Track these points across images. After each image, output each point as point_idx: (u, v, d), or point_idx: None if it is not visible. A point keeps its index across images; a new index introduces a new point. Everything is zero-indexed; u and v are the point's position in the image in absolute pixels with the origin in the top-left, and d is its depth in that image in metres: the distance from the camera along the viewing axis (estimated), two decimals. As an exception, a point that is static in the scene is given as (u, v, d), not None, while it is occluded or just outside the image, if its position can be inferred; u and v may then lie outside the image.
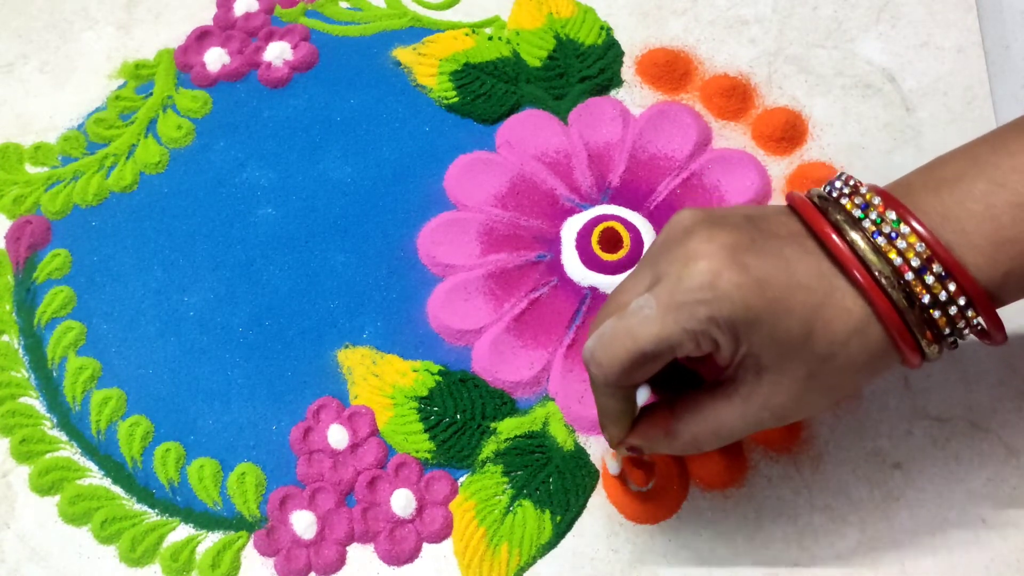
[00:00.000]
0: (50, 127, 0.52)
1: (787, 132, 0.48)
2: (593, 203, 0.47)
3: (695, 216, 0.33)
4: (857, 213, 0.32)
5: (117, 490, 0.43)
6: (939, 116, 0.48)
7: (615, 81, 0.51)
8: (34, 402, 0.45)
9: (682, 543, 0.40)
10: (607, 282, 0.45)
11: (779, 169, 0.48)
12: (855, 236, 0.31)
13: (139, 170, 0.50)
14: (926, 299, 0.31)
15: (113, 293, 0.48)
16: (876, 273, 0.31)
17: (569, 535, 0.41)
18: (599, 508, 0.41)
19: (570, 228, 0.46)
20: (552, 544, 0.41)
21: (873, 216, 0.31)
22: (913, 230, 0.31)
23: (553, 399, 0.43)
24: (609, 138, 0.49)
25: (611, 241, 0.45)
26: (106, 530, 0.42)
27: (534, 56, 0.51)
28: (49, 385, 0.46)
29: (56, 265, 0.48)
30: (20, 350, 0.47)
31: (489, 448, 0.43)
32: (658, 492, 0.41)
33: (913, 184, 0.33)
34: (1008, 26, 0.51)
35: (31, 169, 0.51)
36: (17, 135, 0.52)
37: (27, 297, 0.48)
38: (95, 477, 0.44)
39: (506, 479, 0.42)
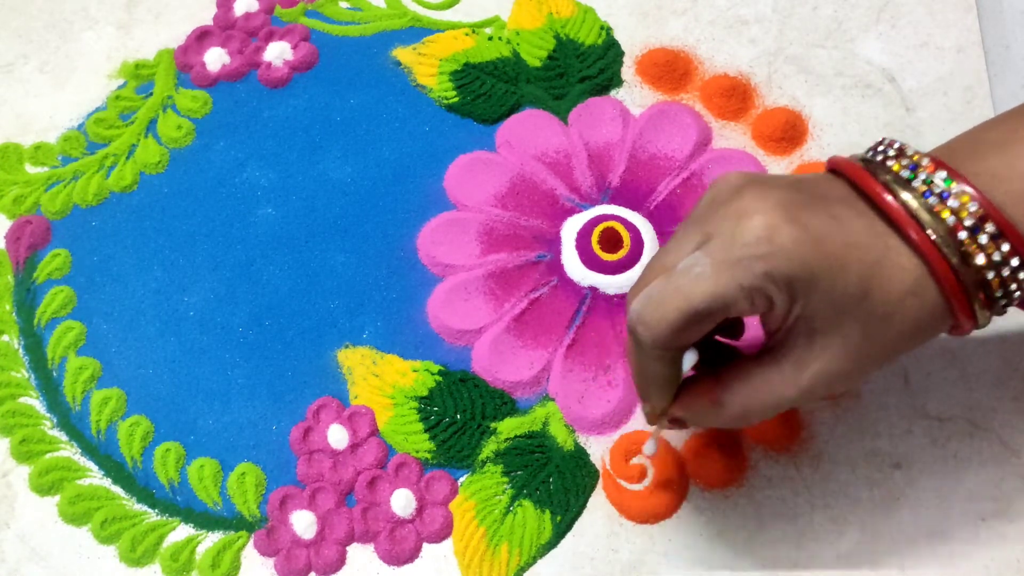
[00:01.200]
0: (50, 127, 0.52)
1: (787, 132, 0.48)
2: (593, 203, 0.47)
3: (743, 177, 0.32)
4: (906, 174, 0.31)
5: (117, 490, 0.43)
6: (939, 116, 0.48)
7: (615, 81, 0.51)
8: (34, 402, 0.45)
9: (682, 543, 0.40)
10: (607, 282, 0.45)
11: (779, 169, 0.48)
12: (906, 196, 0.31)
13: (139, 170, 0.50)
14: (980, 260, 0.30)
15: (113, 293, 0.48)
16: (930, 232, 0.30)
17: (569, 535, 0.41)
18: (599, 508, 0.41)
19: (570, 228, 0.46)
20: (552, 544, 0.41)
21: (923, 176, 0.31)
22: (964, 190, 0.31)
23: (553, 399, 0.43)
24: (609, 138, 0.49)
25: (611, 241, 0.45)
26: (106, 530, 0.42)
27: (534, 56, 0.51)
28: (49, 385, 0.46)
29: (56, 265, 0.48)
30: (20, 350, 0.47)
31: (489, 448, 0.43)
32: (658, 492, 0.41)
33: (957, 149, 0.33)
34: (1008, 26, 0.51)
35: (31, 169, 0.51)
36: (17, 135, 0.52)
37: (27, 297, 0.48)
38: (95, 477, 0.44)
39: (506, 479, 0.42)
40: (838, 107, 0.49)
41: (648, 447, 0.39)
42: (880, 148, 0.33)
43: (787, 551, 0.40)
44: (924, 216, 0.31)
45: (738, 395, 0.33)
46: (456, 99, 0.51)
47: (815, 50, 0.50)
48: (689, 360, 0.34)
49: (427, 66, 0.52)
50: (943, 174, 0.31)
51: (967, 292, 0.31)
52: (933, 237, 0.30)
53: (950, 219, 0.30)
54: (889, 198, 0.31)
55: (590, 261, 0.45)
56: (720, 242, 0.31)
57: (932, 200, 0.31)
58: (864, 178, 0.32)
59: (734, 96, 0.49)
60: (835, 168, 0.33)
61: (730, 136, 0.49)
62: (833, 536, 0.40)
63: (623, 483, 0.41)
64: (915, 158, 0.32)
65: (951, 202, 0.31)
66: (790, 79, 0.50)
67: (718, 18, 0.52)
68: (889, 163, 0.32)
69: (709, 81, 0.50)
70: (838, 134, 0.48)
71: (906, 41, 0.50)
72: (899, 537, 0.40)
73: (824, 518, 0.40)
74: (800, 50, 0.51)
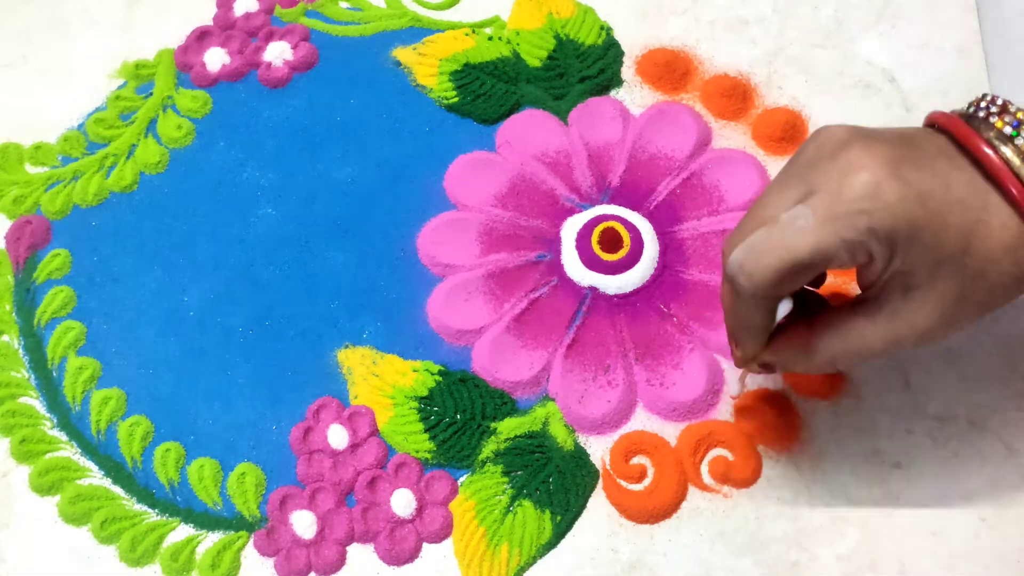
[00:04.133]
0: (50, 127, 0.52)
1: (787, 132, 0.48)
2: (593, 203, 0.47)
3: (848, 131, 0.33)
4: (1008, 131, 0.32)
5: (117, 490, 0.43)
6: (939, 116, 0.48)
7: (615, 81, 0.51)
8: (34, 402, 0.45)
9: (682, 543, 0.40)
10: (607, 282, 0.45)
11: (779, 169, 0.48)
12: (1008, 152, 0.31)
13: (139, 170, 0.50)
14: None
15: (113, 293, 0.48)
16: None
17: (569, 535, 0.41)
18: (599, 508, 0.41)
19: (570, 228, 0.46)
20: (552, 544, 0.41)
21: None
22: None
23: (553, 399, 0.43)
24: (609, 138, 0.49)
25: (611, 241, 0.45)
26: (106, 530, 0.42)
27: (534, 56, 0.51)
28: (49, 385, 0.46)
29: (56, 265, 0.48)
30: (20, 350, 0.47)
31: (489, 448, 0.43)
32: (658, 492, 0.41)
33: None
34: (1008, 26, 0.51)
35: (31, 169, 0.51)
36: (17, 135, 0.52)
37: (27, 297, 0.48)
38: (95, 477, 0.44)
39: (506, 479, 0.42)
40: (838, 107, 0.49)
41: (733, 389, 0.40)
42: (983, 104, 0.33)
43: (787, 551, 0.40)
44: None
45: (830, 342, 0.34)
46: (456, 99, 0.51)
47: (815, 50, 0.50)
48: (784, 309, 0.34)
49: (427, 66, 0.52)
50: None
51: None
52: None
53: None
54: (992, 154, 0.31)
55: (590, 261, 0.45)
56: (825, 196, 0.31)
57: None
58: (967, 134, 0.32)
59: (734, 96, 0.49)
60: (936, 123, 0.34)
61: (730, 136, 0.49)
62: (833, 536, 0.40)
63: (623, 483, 0.41)
64: (1019, 115, 0.32)
65: None
66: (790, 79, 0.50)
67: (718, 18, 0.52)
68: (992, 119, 0.32)
69: (709, 81, 0.50)
70: (838, 134, 0.48)
71: (906, 41, 0.50)
72: (899, 537, 0.40)
73: (824, 518, 0.40)
74: (800, 50, 0.51)
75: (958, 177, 0.32)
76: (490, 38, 0.52)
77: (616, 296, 0.45)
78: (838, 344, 0.34)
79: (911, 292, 0.32)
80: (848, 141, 0.32)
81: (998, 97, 0.33)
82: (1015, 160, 0.31)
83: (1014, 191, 0.31)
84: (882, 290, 0.33)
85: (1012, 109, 0.32)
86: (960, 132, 0.32)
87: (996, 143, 0.32)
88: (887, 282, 0.33)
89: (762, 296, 0.33)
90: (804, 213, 0.31)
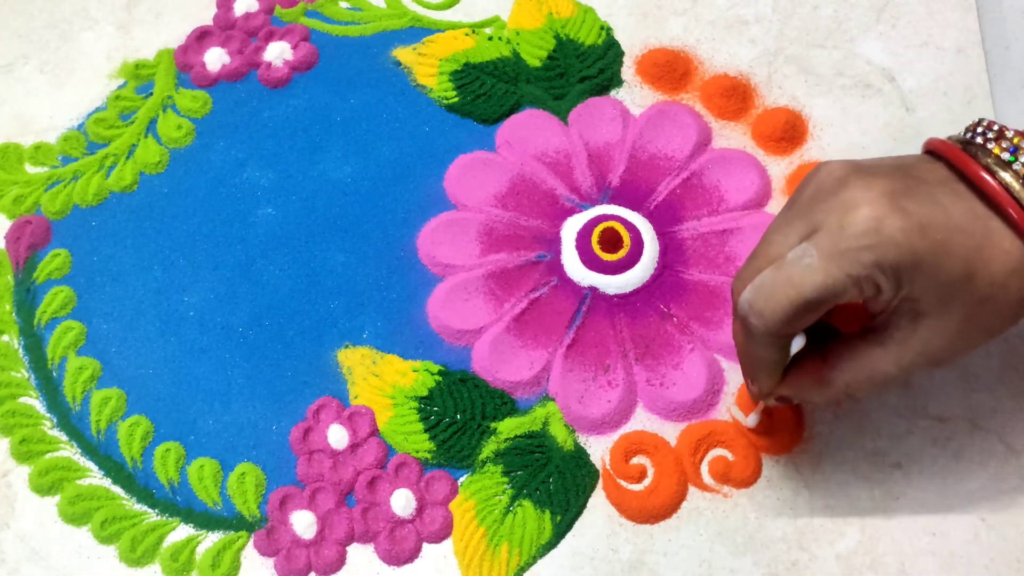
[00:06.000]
0: (50, 127, 0.52)
1: (787, 132, 0.48)
2: (593, 203, 0.47)
3: (846, 167, 0.33)
4: (1006, 156, 0.32)
5: (117, 490, 0.43)
6: (939, 116, 0.48)
7: (615, 81, 0.51)
8: (34, 402, 0.45)
9: (682, 543, 0.40)
10: (607, 282, 0.45)
11: (779, 169, 0.48)
12: (1007, 177, 0.32)
13: (139, 170, 0.50)
14: None
15: (113, 293, 0.48)
16: None
17: (569, 535, 0.41)
18: (599, 508, 0.41)
19: (570, 228, 0.46)
20: (552, 544, 0.41)
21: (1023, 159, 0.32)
22: None
23: (553, 399, 0.43)
24: (609, 138, 0.49)
25: (611, 241, 0.45)
26: (106, 530, 0.42)
27: (534, 56, 0.51)
28: (49, 385, 0.46)
29: (56, 265, 0.48)
30: (20, 350, 0.47)
31: (489, 448, 0.43)
32: (658, 492, 0.41)
33: None
34: (1008, 26, 0.51)
35: (31, 169, 0.51)
36: (17, 135, 0.52)
37: (27, 297, 0.48)
38: (95, 477, 0.44)
39: (506, 479, 0.42)
40: (838, 107, 0.49)
41: (751, 420, 0.41)
42: (979, 130, 0.33)
43: (787, 551, 0.40)
44: None
45: (844, 373, 0.35)
46: (456, 99, 0.51)
47: (815, 50, 0.50)
48: (797, 344, 0.35)
49: (427, 66, 0.52)
50: None
51: None
52: None
53: None
54: (990, 180, 0.32)
55: (590, 261, 0.45)
56: (828, 234, 0.32)
57: None
58: (965, 161, 0.32)
59: (734, 96, 0.49)
60: (934, 150, 0.34)
61: (730, 136, 0.49)
62: (833, 536, 0.40)
63: (623, 483, 0.42)
64: (1015, 140, 0.32)
65: None
66: (790, 79, 0.50)
67: (718, 18, 0.52)
68: (989, 145, 0.33)
69: (709, 81, 0.50)
70: (838, 134, 0.48)
71: (906, 41, 0.50)
72: (899, 537, 0.40)
73: (824, 518, 0.40)
74: (800, 50, 0.51)
75: (958, 205, 0.32)
76: (490, 38, 0.52)
77: (616, 296, 0.45)
78: (852, 373, 0.35)
79: (920, 319, 0.33)
80: (847, 177, 0.33)
81: (994, 123, 0.33)
82: (1015, 185, 0.32)
83: (1014, 215, 0.31)
84: (891, 318, 0.33)
85: (1009, 135, 0.33)
86: (958, 159, 0.33)
87: (994, 169, 0.32)
88: (896, 310, 0.33)
89: (774, 334, 0.33)
90: (809, 251, 0.32)
